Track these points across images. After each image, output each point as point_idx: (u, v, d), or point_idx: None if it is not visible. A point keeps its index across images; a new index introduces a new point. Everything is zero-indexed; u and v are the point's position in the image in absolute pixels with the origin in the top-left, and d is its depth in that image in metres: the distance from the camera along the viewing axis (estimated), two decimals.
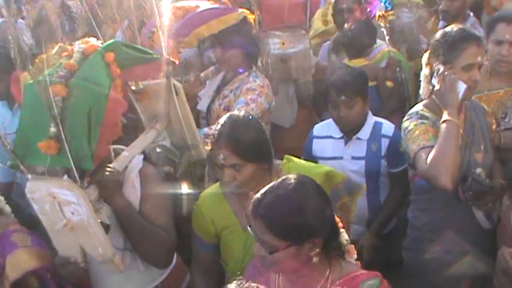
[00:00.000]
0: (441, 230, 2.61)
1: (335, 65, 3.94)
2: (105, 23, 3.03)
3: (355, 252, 1.87)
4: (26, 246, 2.31)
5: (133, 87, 2.50)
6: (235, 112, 2.39)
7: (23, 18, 4.68)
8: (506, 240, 2.49)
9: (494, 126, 2.76)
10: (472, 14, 4.16)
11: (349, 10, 4.12)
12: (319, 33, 4.63)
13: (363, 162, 3.05)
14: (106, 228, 2.12)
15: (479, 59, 2.46)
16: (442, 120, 2.42)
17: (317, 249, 1.73)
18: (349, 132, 3.09)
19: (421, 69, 2.65)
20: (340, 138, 3.11)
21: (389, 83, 3.80)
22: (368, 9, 4.14)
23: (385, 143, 3.04)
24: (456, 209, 2.56)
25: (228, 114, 2.35)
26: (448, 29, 2.56)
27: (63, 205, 2.05)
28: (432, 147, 2.39)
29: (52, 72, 2.08)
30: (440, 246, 2.62)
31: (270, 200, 1.71)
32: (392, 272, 2.14)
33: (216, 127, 2.30)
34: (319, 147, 3.16)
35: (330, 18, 4.48)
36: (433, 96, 2.56)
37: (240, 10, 3.32)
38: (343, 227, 1.87)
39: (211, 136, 2.79)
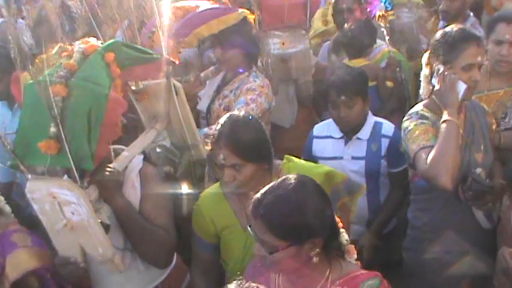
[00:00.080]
0: (441, 230, 2.61)
1: (335, 65, 3.94)
2: (105, 23, 3.03)
3: (355, 252, 1.87)
4: (26, 246, 2.31)
5: (133, 87, 2.50)
6: (236, 112, 2.39)
7: (23, 18, 4.68)
8: (506, 240, 2.49)
9: (494, 126, 2.76)
10: (472, 14, 4.15)
11: (349, 10, 4.12)
12: (319, 33, 4.62)
13: (363, 162, 3.04)
14: (106, 228, 2.11)
15: (479, 59, 2.46)
16: (442, 120, 2.41)
17: (317, 249, 1.72)
18: (349, 132, 3.08)
19: (421, 69, 2.65)
20: (340, 138, 3.11)
21: (389, 83, 3.79)
22: (368, 9, 4.14)
23: (385, 143, 3.04)
24: (456, 209, 2.56)
25: (228, 114, 2.34)
26: (448, 29, 2.55)
27: (63, 205, 2.05)
28: (432, 147, 2.39)
29: (52, 72, 2.08)
30: (440, 246, 2.62)
31: (270, 200, 1.71)
32: (392, 272, 2.14)
33: (216, 127, 2.29)
34: (319, 147, 3.16)
35: (330, 18, 4.48)
36: (433, 96, 2.55)
37: (240, 10, 3.32)
38: (343, 227, 1.87)
39: (212, 136, 2.80)
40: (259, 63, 3.53)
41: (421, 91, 2.68)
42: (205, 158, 2.64)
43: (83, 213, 2.04)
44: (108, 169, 2.17)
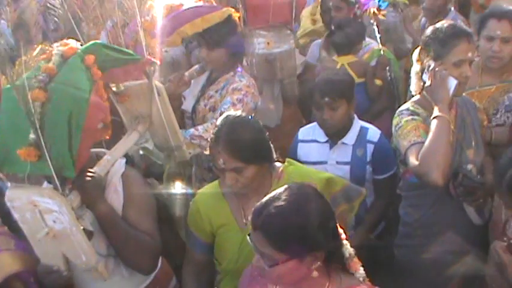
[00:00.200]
0: (432, 226, 2.62)
1: (324, 61, 3.93)
2: (88, 24, 2.97)
3: (360, 267, 1.77)
4: (9, 249, 2.26)
5: (114, 89, 2.44)
6: (231, 113, 2.32)
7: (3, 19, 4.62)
8: (498, 236, 2.47)
9: (485, 123, 2.77)
10: (452, 8, 4.22)
11: (337, 8, 4.11)
12: (308, 33, 4.63)
13: (347, 167, 2.98)
14: (89, 235, 2.07)
15: (470, 55, 2.46)
16: (433, 116, 2.41)
17: (318, 263, 1.66)
18: (334, 136, 3.02)
19: (407, 68, 2.64)
20: (325, 142, 3.05)
21: (378, 81, 3.78)
22: (358, 5, 4.11)
23: (370, 148, 2.97)
24: (447, 205, 2.56)
25: (224, 116, 2.27)
26: (438, 25, 2.56)
27: (44, 213, 1.99)
28: (423, 143, 2.39)
29: (30, 76, 2.02)
30: (432, 243, 2.60)
31: (270, 212, 1.63)
32: (383, 270, 2.11)
33: (206, 126, 2.24)
34: (304, 151, 3.10)
35: (318, 17, 4.49)
36: (424, 92, 2.56)
37: (225, 8, 3.27)
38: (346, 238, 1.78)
39: (203, 138, 2.75)
40: (244, 63, 3.49)
41: (411, 87, 2.68)
42: (189, 159, 2.59)
43: (65, 221, 1.98)
44: (90, 174, 2.11)
